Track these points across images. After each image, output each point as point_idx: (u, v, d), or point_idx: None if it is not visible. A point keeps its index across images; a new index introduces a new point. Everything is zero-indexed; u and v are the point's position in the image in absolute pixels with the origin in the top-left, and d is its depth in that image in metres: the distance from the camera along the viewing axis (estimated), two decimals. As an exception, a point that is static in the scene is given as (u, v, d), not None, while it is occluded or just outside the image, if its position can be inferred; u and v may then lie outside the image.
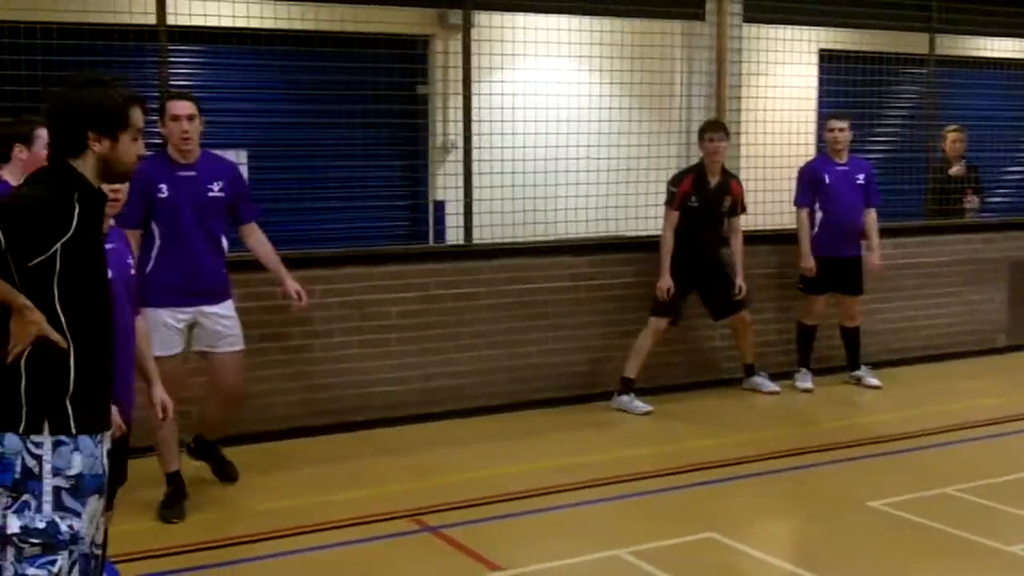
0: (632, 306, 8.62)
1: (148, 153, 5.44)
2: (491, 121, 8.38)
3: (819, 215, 8.91)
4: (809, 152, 10.24)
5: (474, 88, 8.39)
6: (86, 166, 3.34)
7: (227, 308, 6.20)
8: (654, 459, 7.22)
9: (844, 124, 8.95)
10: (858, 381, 9.24)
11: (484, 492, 6.46)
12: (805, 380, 9.08)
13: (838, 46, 10.45)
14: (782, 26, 9.64)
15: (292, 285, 6.36)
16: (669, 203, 8.40)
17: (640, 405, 8.32)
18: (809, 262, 8.81)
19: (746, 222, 9.35)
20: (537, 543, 5.75)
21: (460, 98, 8.40)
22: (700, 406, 8.64)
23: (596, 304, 8.65)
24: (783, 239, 9.31)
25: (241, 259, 6.76)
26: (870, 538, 5.86)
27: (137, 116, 3.40)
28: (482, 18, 8.68)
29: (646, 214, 8.76)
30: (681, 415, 8.39)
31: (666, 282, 8.26)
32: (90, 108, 3.32)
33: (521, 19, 8.62)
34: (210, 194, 6.03)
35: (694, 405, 8.66)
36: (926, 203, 10.73)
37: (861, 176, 9.01)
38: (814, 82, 10.79)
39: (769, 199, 9.29)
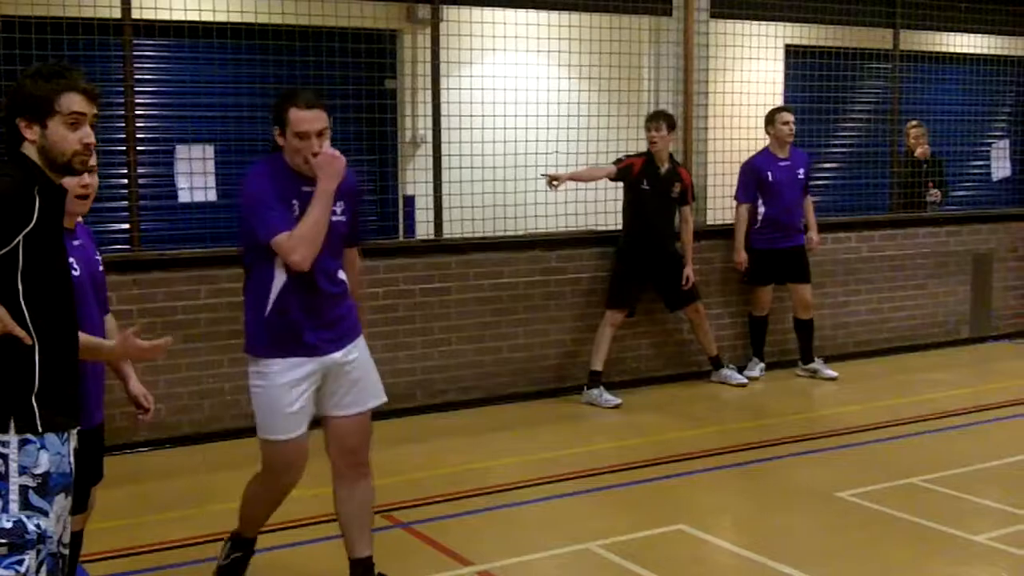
0: (602, 300, 8.65)
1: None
2: (460, 116, 8.38)
3: (761, 209, 9.01)
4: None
5: (443, 83, 8.39)
6: (34, 157, 3.31)
7: (360, 348, 4.79)
8: (624, 452, 7.25)
9: (793, 117, 9.08)
10: (813, 374, 9.31)
11: (455, 487, 6.47)
12: (753, 369, 9.17)
13: (804, 41, 10.51)
14: (748, 21, 9.68)
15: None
16: (616, 162, 8.54)
17: (610, 398, 8.35)
18: (741, 256, 9.01)
19: (714, 216, 9.42)
20: (508, 538, 5.76)
21: (429, 93, 8.39)
22: (669, 399, 8.69)
23: (566, 298, 8.68)
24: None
25: (208, 256, 6.70)
26: (838, 528, 5.90)
27: (69, 101, 3.32)
28: (450, 12, 8.67)
29: (615, 208, 8.78)
30: (651, 408, 8.43)
31: (559, 181, 8.22)
32: (19, 95, 3.33)
33: (490, 14, 8.62)
34: (333, 218, 4.56)
35: (664, 398, 8.71)
36: (891, 196, 10.85)
37: (801, 170, 9.12)
38: (780, 77, 10.84)
39: (731, 194, 9.35)
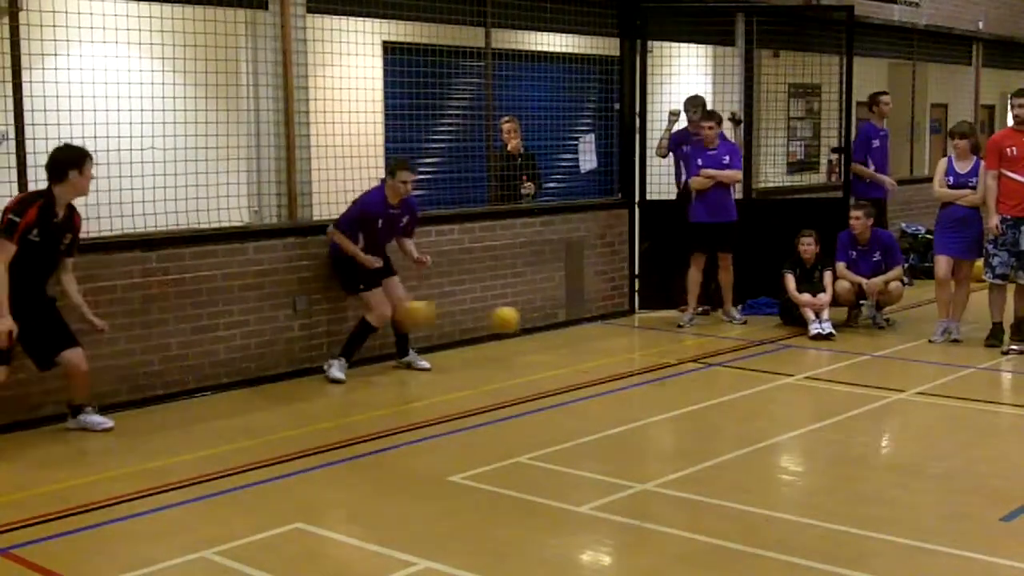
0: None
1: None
2: (46, 111, 7.85)
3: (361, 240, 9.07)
4: (379, 143, 10.44)
5: (25, 76, 7.83)
6: None
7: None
8: (234, 455, 7.07)
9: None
10: (408, 366, 9.51)
11: (57, 506, 6.08)
12: (339, 371, 9.05)
13: (401, 38, 10.69)
14: (345, 17, 9.72)
15: None
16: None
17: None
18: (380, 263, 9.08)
19: (320, 212, 9.40)
20: (116, 552, 5.49)
21: (10, 86, 7.80)
22: (283, 396, 8.61)
23: (172, 299, 8.37)
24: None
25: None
26: (452, 512, 6.07)
27: None
28: (31, 1, 8.11)
29: (217, 205, 8.59)
30: (260, 408, 8.30)
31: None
32: None
33: (75, 3, 8.14)
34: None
35: (276, 395, 8.62)
36: (489, 189, 11.27)
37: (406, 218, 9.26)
38: (379, 73, 10.98)
39: (337, 188, 9.39)
